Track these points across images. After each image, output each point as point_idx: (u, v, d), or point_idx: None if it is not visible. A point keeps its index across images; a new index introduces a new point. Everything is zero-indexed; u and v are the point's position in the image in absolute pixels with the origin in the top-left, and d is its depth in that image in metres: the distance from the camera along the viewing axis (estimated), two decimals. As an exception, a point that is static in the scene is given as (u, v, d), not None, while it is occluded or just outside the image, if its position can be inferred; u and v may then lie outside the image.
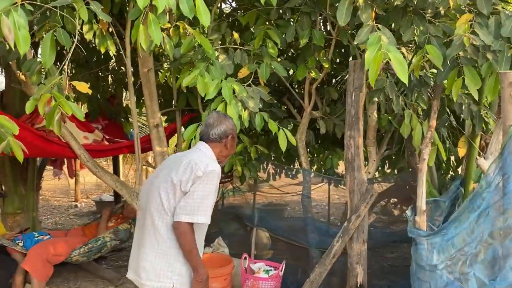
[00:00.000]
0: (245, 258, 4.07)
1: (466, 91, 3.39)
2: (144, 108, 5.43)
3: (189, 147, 3.12)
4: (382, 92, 3.21)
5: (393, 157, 4.93)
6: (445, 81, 2.86)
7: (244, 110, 3.23)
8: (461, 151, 3.51)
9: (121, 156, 9.76)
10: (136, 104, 4.55)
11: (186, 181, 2.29)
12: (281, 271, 3.93)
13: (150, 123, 4.18)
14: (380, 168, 5.06)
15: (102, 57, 5.26)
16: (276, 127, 3.30)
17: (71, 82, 2.47)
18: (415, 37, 2.78)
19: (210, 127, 2.53)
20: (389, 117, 3.96)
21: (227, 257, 4.28)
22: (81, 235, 4.75)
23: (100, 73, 5.40)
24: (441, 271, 2.35)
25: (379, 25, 2.61)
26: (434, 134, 2.98)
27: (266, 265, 4.09)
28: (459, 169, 3.80)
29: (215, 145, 2.51)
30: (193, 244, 2.29)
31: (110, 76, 5.58)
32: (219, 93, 3.16)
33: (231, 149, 2.61)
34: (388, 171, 5.38)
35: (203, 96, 3.18)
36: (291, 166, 6.15)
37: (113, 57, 5.55)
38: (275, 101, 4.52)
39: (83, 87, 2.51)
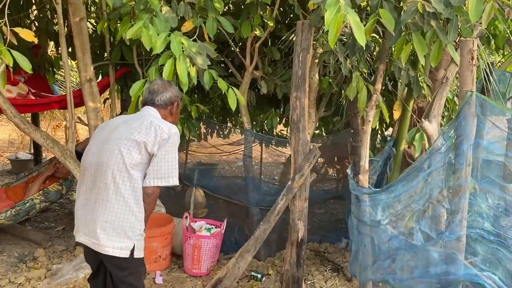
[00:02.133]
0: (186, 217, 4.05)
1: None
2: (71, 61, 5.08)
3: (137, 105, 2.97)
4: (331, 54, 3.25)
5: (328, 119, 5.10)
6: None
7: (192, 67, 3.12)
8: (396, 114, 3.71)
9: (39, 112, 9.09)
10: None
11: (153, 143, 2.29)
12: (223, 229, 3.98)
13: (82, 77, 3.92)
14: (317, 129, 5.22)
15: (22, 1, 4.75)
16: (225, 86, 3.23)
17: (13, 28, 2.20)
18: (368, 1, 2.82)
19: (155, 93, 2.53)
20: (330, 80, 4.06)
21: (167, 217, 4.23)
22: (5, 197, 4.41)
23: (20, 21, 4.88)
24: (385, 226, 2.53)
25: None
26: (379, 98, 3.11)
27: (207, 224, 4.11)
28: (390, 131, 4.02)
29: (160, 111, 2.52)
30: (154, 206, 2.32)
31: (32, 23, 5.06)
32: (166, 47, 3.02)
33: (175, 116, 2.66)
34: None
35: (148, 49, 3.00)
36: (226, 125, 6.15)
37: (34, 2, 5.04)
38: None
39: (28, 34, 2.25)
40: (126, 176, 2.29)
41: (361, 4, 2.85)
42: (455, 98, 4.22)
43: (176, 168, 2.36)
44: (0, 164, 8.95)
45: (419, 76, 3.39)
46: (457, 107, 4.32)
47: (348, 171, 3.37)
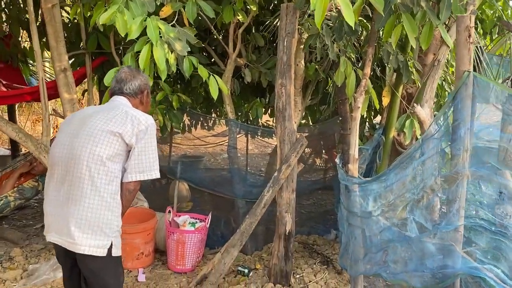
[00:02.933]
0: (169, 211, 3.89)
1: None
2: (45, 50, 4.85)
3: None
4: (318, 38, 3.10)
5: (315, 107, 4.96)
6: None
7: (171, 53, 2.94)
8: (385, 100, 3.58)
9: (16, 106, 8.79)
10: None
11: (130, 134, 2.16)
12: (207, 223, 3.83)
13: (56, 67, 3.74)
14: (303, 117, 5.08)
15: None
16: (206, 73, 3.06)
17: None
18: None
19: (123, 82, 2.40)
20: (316, 66, 3.92)
21: (150, 211, 4.06)
22: (-23, 194, 4.20)
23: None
24: (377, 217, 2.41)
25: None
26: (368, 83, 2.98)
27: (191, 218, 3.96)
28: (378, 119, 3.90)
29: (130, 100, 2.39)
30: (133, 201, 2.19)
31: (3, 12, 4.80)
32: (142, 34, 2.83)
33: (146, 106, 2.52)
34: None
35: (123, 36, 2.81)
36: (210, 116, 5.97)
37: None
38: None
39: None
40: (102, 169, 2.13)
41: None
42: (444, 84, 4.11)
43: (156, 160, 2.25)
44: (-23, 160, 8.65)
45: (408, 60, 3.26)
46: (446, 92, 4.21)
47: (337, 160, 3.24)
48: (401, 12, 2.57)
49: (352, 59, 3.20)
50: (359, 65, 3.61)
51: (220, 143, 5.29)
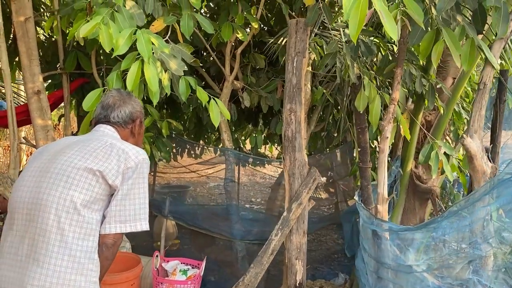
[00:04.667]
0: (156, 256, 3.35)
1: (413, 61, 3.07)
2: (18, 71, 4.34)
3: (91, 123, 2.27)
4: (336, 57, 2.70)
5: (316, 135, 4.55)
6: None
7: (164, 73, 2.49)
8: (404, 129, 3.19)
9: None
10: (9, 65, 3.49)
11: (114, 173, 1.67)
12: (202, 270, 3.30)
13: (28, 88, 3.26)
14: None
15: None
16: (206, 97, 2.61)
17: None
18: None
19: (110, 108, 1.91)
20: (324, 90, 3.52)
21: (134, 257, 3.50)
22: None
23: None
24: (421, 273, 1.96)
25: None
26: (397, 109, 2.57)
27: (181, 263, 3.42)
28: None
29: (118, 130, 1.92)
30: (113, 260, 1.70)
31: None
32: (130, 50, 2.38)
33: (138, 138, 2.02)
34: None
35: (108, 51, 2.36)
36: (200, 144, 5.52)
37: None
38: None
39: None
40: (75, 219, 1.62)
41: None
42: (462, 111, 3.75)
43: (146, 207, 1.74)
44: None
45: (435, 83, 2.88)
46: (464, 120, 3.85)
47: (356, 197, 2.80)
48: (440, 27, 2.19)
49: (375, 81, 2.81)
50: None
51: (211, 174, 4.81)
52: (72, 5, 2.78)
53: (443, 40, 2.09)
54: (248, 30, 3.72)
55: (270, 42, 3.48)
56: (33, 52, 3.24)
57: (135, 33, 2.34)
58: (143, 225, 1.73)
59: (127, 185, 1.69)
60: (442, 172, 3.01)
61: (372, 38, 3.04)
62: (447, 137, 3.79)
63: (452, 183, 4.07)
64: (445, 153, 2.98)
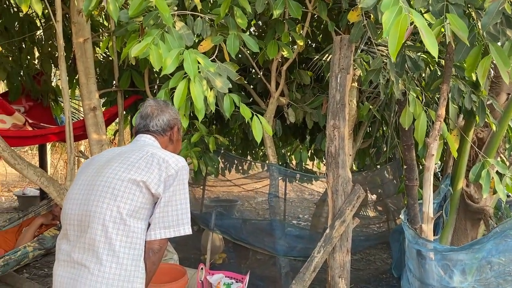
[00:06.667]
0: (201, 268, 3.42)
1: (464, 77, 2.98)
2: (77, 88, 4.62)
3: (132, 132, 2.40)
4: (379, 73, 2.68)
5: (364, 151, 4.49)
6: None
7: (210, 90, 2.58)
8: (454, 147, 3.09)
9: (49, 145, 8.69)
10: (69, 83, 3.73)
11: (157, 182, 1.75)
12: (245, 284, 3.34)
13: (85, 105, 3.45)
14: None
15: (27, 24, 4.35)
16: (249, 113, 2.67)
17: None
18: (429, 5, 2.26)
19: (149, 117, 2.00)
20: (370, 106, 3.49)
21: (180, 268, 3.58)
22: (-5, 243, 3.88)
23: (23, 44, 4.47)
24: (468, 296, 1.89)
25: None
26: (443, 126, 2.51)
27: (226, 277, 3.47)
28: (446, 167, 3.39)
29: (158, 139, 2.01)
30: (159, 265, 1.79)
31: (36, 48, 4.64)
32: (178, 69, 2.50)
33: (177, 144, 2.11)
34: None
35: (157, 70, 2.48)
36: (247, 159, 5.61)
37: (41, 26, 4.65)
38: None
39: None
40: (121, 229, 1.71)
41: (421, 9, 2.28)
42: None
43: (188, 212, 1.81)
44: (8, 200, 8.49)
45: (485, 99, 2.79)
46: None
47: (402, 216, 2.74)
48: (487, 42, 2.13)
49: (421, 98, 2.76)
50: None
51: (258, 188, 4.85)
52: (126, 27, 2.94)
53: (490, 56, 2.04)
54: (294, 47, 3.78)
55: (315, 59, 3.51)
56: (90, 71, 3.44)
57: (182, 53, 2.45)
58: (186, 230, 1.79)
59: (169, 192, 1.76)
60: (495, 191, 2.88)
61: (419, 53, 2.99)
62: (501, 155, 3.62)
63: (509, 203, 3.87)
64: (498, 171, 2.86)
